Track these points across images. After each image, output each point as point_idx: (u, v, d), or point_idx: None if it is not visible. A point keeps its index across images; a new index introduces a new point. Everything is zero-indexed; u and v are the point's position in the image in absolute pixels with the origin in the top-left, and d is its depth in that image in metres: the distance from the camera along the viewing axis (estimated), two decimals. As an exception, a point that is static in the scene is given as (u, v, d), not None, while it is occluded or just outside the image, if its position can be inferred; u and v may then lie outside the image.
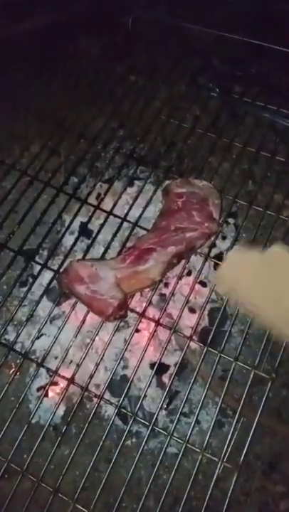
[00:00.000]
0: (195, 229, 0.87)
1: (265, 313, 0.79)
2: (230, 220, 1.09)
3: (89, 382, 0.83)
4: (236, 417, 0.82)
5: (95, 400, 0.84)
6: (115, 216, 0.99)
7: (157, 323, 0.87)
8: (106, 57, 1.27)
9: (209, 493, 0.77)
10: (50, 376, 0.86)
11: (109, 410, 0.91)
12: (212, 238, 0.94)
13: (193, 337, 0.87)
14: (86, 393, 0.83)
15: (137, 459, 0.79)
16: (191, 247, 0.88)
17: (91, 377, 0.83)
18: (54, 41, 1.30)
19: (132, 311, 0.89)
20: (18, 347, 0.93)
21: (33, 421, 0.89)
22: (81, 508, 0.75)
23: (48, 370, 0.87)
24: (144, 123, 1.13)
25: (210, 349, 0.85)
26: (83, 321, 0.88)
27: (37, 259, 0.99)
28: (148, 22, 1.30)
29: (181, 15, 1.25)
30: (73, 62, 1.28)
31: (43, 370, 0.91)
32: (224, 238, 1.07)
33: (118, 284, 0.84)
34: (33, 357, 0.91)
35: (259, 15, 1.22)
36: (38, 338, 0.88)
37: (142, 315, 0.88)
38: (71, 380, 0.83)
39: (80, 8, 1.33)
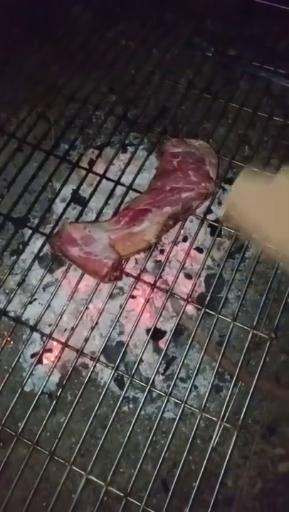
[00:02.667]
0: (191, 189, 0.84)
1: (276, 241, 0.79)
2: (226, 187, 1.07)
3: (84, 346, 0.81)
4: (234, 381, 0.81)
5: (91, 364, 0.82)
6: (108, 180, 0.96)
7: (153, 286, 0.85)
8: (98, 20, 1.22)
9: (207, 456, 0.76)
10: (44, 342, 0.83)
11: (105, 376, 0.89)
12: (208, 201, 0.92)
13: (190, 300, 0.85)
14: (81, 358, 0.81)
15: (133, 424, 0.77)
16: (188, 208, 0.86)
17: (86, 340, 0.81)
18: (44, 5, 1.24)
19: (128, 274, 0.87)
20: (10, 314, 0.90)
21: (28, 389, 0.86)
22: (78, 471, 0.73)
23: (41, 334, 0.85)
24: (137, 86, 1.09)
25: (207, 310, 0.83)
26: (76, 287, 0.85)
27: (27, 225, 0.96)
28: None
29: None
30: (64, 26, 1.22)
31: (36, 337, 0.88)
32: (220, 204, 1.04)
33: (112, 245, 0.81)
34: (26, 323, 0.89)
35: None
36: (30, 303, 0.85)
37: (138, 278, 0.86)
38: (65, 344, 0.81)
39: None
